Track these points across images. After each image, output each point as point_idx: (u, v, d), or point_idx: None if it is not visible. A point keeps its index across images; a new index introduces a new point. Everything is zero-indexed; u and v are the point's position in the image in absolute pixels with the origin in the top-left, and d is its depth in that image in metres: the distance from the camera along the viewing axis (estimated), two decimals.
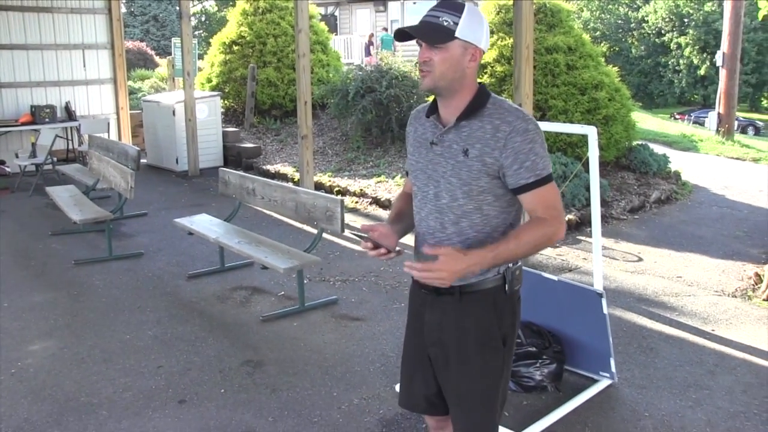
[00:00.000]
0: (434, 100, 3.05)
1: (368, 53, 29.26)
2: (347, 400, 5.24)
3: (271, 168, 14.03)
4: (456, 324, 3.03)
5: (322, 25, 19.54)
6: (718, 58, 21.94)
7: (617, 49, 49.59)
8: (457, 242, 2.97)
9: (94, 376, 5.67)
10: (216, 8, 54.22)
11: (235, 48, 17.86)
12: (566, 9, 13.10)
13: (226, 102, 17.78)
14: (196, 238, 8.46)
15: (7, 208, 11.53)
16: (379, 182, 12.24)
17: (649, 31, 47.86)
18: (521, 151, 2.82)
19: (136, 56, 28.71)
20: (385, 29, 34.74)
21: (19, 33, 14.61)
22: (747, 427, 4.86)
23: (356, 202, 11.62)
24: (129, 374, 5.69)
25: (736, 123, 24.18)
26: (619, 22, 50.66)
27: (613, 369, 5.35)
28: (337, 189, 12.19)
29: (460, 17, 2.84)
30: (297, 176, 12.44)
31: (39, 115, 14.11)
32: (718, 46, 24.99)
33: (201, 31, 51.28)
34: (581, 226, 9.84)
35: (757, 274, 7.91)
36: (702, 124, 27.70)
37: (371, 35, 31.67)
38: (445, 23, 2.84)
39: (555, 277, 5.51)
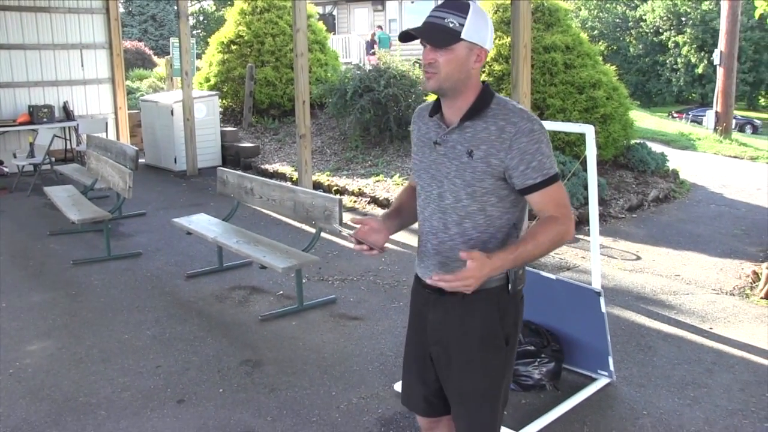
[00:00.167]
0: (437, 99, 3.03)
1: (370, 51, 29.19)
2: (346, 400, 5.25)
3: (269, 167, 14.03)
4: (459, 323, 3.03)
5: (320, 25, 19.53)
6: (716, 57, 21.93)
7: (615, 47, 49.63)
8: (461, 243, 2.98)
9: (92, 376, 5.67)
10: (214, 8, 54.19)
11: (233, 47, 17.86)
12: (564, 8, 13.09)
13: (224, 101, 17.78)
14: (195, 237, 8.46)
15: (6, 208, 11.53)
16: (377, 181, 12.24)
17: (647, 30, 47.86)
18: (527, 151, 2.81)
19: (135, 56, 28.70)
20: (380, 27, 34.68)
21: (17, 33, 14.60)
22: (745, 424, 4.87)
23: (354, 202, 11.62)
24: (127, 374, 5.69)
25: (733, 121, 24.15)
26: (617, 20, 50.67)
27: (612, 367, 5.35)
28: (335, 188, 12.19)
29: (465, 18, 2.82)
30: (295, 176, 12.44)
31: (37, 115, 14.10)
32: (715, 45, 25.01)
33: (199, 31, 51.27)
34: (579, 224, 9.83)
35: (754, 272, 7.92)
36: (700, 123, 27.68)
37: (373, 34, 31.64)
38: (451, 24, 2.82)
39: (553, 276, 5.51)
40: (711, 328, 6.56)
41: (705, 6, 44.82)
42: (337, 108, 14.83)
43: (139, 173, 10.58)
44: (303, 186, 10.65)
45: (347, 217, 9.57)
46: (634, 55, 48.59)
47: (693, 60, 44.41)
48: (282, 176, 13.31)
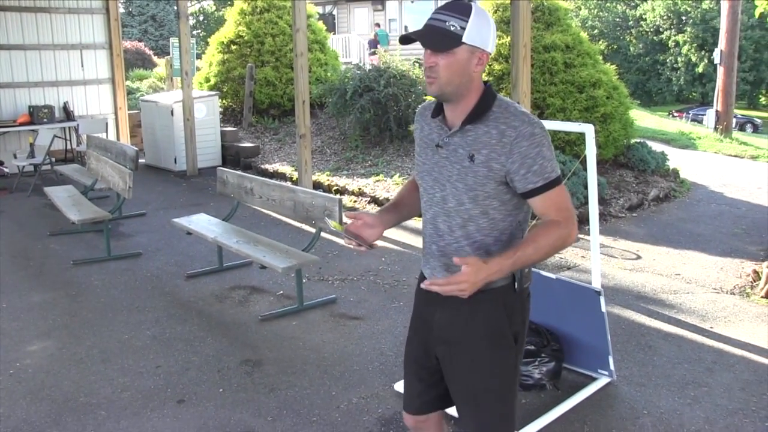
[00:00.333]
0: (439, 100, 3.02)
1: (373, 47, 29.15)
2: (346, 400, 5.24)
3: (269, 167, 14.03)
4: (466, 323, 3.02)
5: (320, 24, 19.53)
6: (716, 56, 21.93)
7: (615, 47, 49.66)
8: (465, 245, 2.97)
9: (92, 376, 5.67)
10: (214, 8, 54.20)
11: (233, 47, 17.86)
12: (564, 7, 13.10)
13: (224, 101, 17.78)
14: (195, 237, 8.46)
15: (6, 208, 11.53)
16: (377, 181, 12.24)
17: (647, 29, 47.88)
18: (528, 155, 2.79)
19: (135, 56, 28.71)
20: (378, 25, 34.68)
21: (17, 33, 14.60)
22: (745, 424, 4.87)
23: (355, 201, 11.62)
24: (127, 374, 5.69)
25: (734, 120, 24.16)
26: (617, 20, 50.68)
27: (612, 367, 5.35)
28: (335, 188, 12.19)
29: (467, 21, 2.79)
30: (295, 175, 12.44)
31: (37, 115, 14.11)
32: (715, 44, 25.01)
33: (199, 31, 51.28)
34: (580, 223, 9.75)
35: (755, 272, 7.91)
36: (700, 122, 27.66)
37: (375, 34, 31.63)
38: (452, 28, 2.79)
39: (553, 276, 5.51)
40: (711, 328, 6.55)
41: (705, 5, 44.83)
42: (337, 108, 14.83)
43: (139, 173, 10.59)
44: (303, 186, 10.65)
45: (346, 217, 9.57)
46: (634, 54, 48.60)
47: (693, 59, 44.41)
48: (282, 176, 13.31)
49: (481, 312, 2.97)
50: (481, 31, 2.83)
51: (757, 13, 13.66)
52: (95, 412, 5.10)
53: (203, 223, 8.28)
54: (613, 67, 13.06)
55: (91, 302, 7.34)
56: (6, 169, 14.19)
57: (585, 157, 5.37)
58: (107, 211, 9.14)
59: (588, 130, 5.25)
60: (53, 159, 13.12)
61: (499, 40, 12.28)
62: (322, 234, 7.74)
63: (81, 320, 6.84)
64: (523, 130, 2.79)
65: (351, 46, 33.57)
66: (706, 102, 39.17)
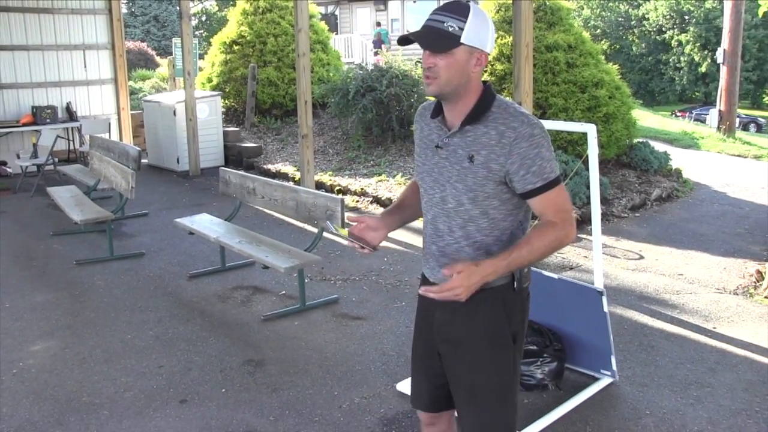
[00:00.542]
0: (439, 101, 3.03)
1: (378, 47, 29.13)
2: (348, 399, 5.25)
3: (271, 167, 14.03)
4: (465, 322, 3.03)
5: (323, 25, 19.53)
6: (719, 56, 21.90)
7: (618, 46, 49.58)
8: (465, 245, 2.99)
9: (95, 376, 5.67)
10: (216, 8, 54.19)
11: (236, 48, 17.86)
12: (566, 7, 13.10)
13: (226, 102, 17.78)
14: (197, 237, 8.46)
15: (9, 208, 11.54)
16: (379, 181, 12.24)
17: (650, 29, 47.81)
18: (527, 156, 2.79)
19: (137, 56, 28.72)
20: (379, 24, 34.70)
21: (20, 34, 14.62)
22: (748, 424, 4.86)
23: (357, 201, 11.62)
24: (130, 374, 5.70)
25: (737, 120, 24.10)
26: (620, 19, 50.62)
27: (614, 367, 5.35)
28: (337, 188, 12.19)
29: (465, 21, 2.79)
30: (298, 175, 12.44)
31: (40, 115, 14.12)
32: (719, 44, 24.95)
33: (201, 31, 51.23)
34: (582, 224, 9.83)
35: (758, 272, 7.91)
36: (703, 122, 27.64)
37: (379, 34, 31.62)
38: (450, 29, 2.79)
39: (555, 276, 5.51)
40: (714, 328, 6.55)
41: (708, 4, 44.77)
42: (339, 108, 14.83)
43: (141, 173, 10.58)
44: (305, 186, 10.66)
45: (350, 218, 9.57)
46: (636, 53, 48.52)
47: (696, 58, 44.35)
48: (284, 176, 13.31)
49: (481, 311, 2.98)
50: (479, 32, 2.83)
51: (760, 12, 13.64)
52: (98, 411, 5.11)
53: (206, 223, 8.28)
54: (616, 66, 13.06)
55: (94, 302, 7.35)
56: (9, 170, 14.21)
57: (587, 157, 5.37)
58: (110, 211, 9.14)
59: (590, 130, 5.25)
60: (56, 159, 13.14)
61: (501, 39, 12.28)
62: (324, 234, 7.74)
63: (84, 320, 6.85)
64: (522, 131, 2.80)
65: (353, 46, 33.56)
66: (709, 102, 39.08)
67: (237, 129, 16.26)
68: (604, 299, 5.14)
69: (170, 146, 14.69)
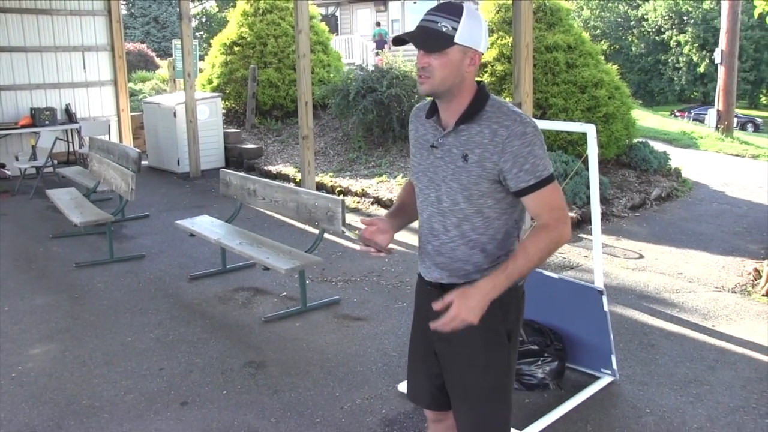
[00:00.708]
0: (434, 101, 3.04)
1: (380, 47, 29.10)
2: (349, 401, 5.25)
3: (272, 169, 14.03)
4: None
5: (323, 26, 19.53)
6: (717, 56, 21.93)
7: (617, 47, 49.61)
8: (461, 244, 3.01)
9: (95, 379, 5.67)
10: (216, 9, 54.21)
11: (236, 49, 17.86)
12: (566, 8, 13.11)
13: (227, 103, 17.79)
14: (198, 239, 8.46)
15: (8, 211, 11.54)
16: (380, 182, 12.25)
17: (649, 29, 47.83)
18: (520, 154, 2.81)
19: (137, 58, 28.71)
20: (379, 23, 34.70)
21: (18, 35, 14.61)
22: (746, 421, 4.88)
23: (358, 202, 11.63)
24: (131, 377, 5.70)
25: (735, 120, 24.15)
26: (619, 20, 50.63)
27: (615, 366, 5.36)
28: (338, 189, 12.20)
29: (459, 22, 2.82)
30: (298, 177, 12.44)
31: (39, 117, 14.10)
32: (716, 44, 24.99)
33: (202, 32, 51.25)
34: (582, 223, 9.85)
35: (756, 270, 7.92)
36: (702, 122, 27.63)
37: (380, 34, 31.59)
38: (444, 29, 2.82)
39: (556, 275, 5.52)
40: (713, 326, 6.56)
41: (706, 5, 44.79)
42: (339, 109, 14.83)
43: (141, 175, 10.59)
44: (306, 187, 10.67)
45: (350, 218, 9.60)
46: (636, 54, 48.54)
47: (694, 59, 44.37)
48: (285, 177, 13.32)
49: None
50: (472, 32, 2.86)
51: (756, 14, 13.62)
52: (98, 415, 5.11)
53: (206, 225, 8.28)
54: (615, 67, 13.10)
55: (94, 305, 7.35)
56: (8, 172, 14.21)
57: (587, 157, 5.37)
58: (110, 213, 9.15)
59: (590, 130, 5.25)
60: (55, 161, 13.14)
61: (501, 40, 12.30)
62: (325, 235, 7.75)
63: (84, 323, 6.85)
64: (515, 129, 2.82)
65: (354, 47, 33.58)
66: (707, 102, 39.09)
67: (237, 130, 16.25)
68: (605, 298, 5.16)
69: (170, 148, 14.69)
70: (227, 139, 15.42)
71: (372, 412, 5.08)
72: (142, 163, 11.56)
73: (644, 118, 21.62)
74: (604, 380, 5.41)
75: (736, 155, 17.16)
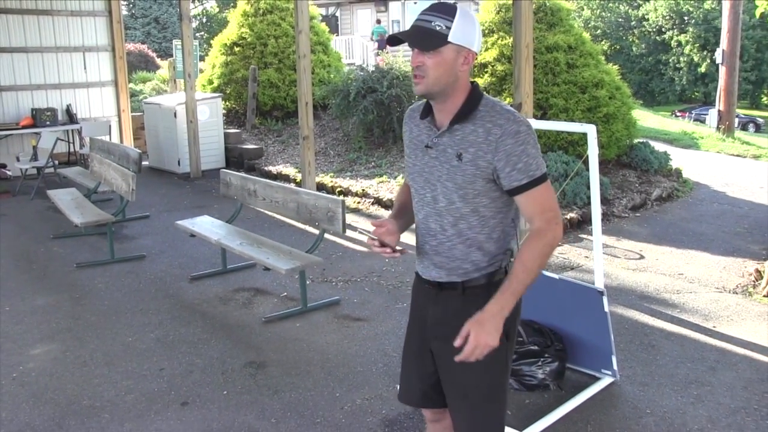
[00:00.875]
0: (428, 101, 3.06)
1: (382, 47, 29.07)
2: (350, 401, 5.25)
3: (272, 169, 14.03)
4: (459, 318, 3.03)
5: (323, 26, 19.54)
6: (718, 56, 21.90)
7: (618, 47, 49.62)
8: (458, 243, 3.03)
9: (96, 379, 5.68)
10: (217, 10, 54.21)
11: (236, 49, 17.86)
12: (566, 8, 13.10)
13: (227, 103, 17.79)
14: (198, 240, 8.46)
15: (9, 211, 11.54)
16: (381, 182, 12.25)
17: (650, 29, 47.82)
18: (513, 153, 2.84)
19: (138, 58, 28.71)
20: (379, 21, 34.70)
21: (19, 36, 14.62)
22: (748, 422, 4.87)
23: (358, 203, 11.63)
24: (131, 377, 5.70)
25: (736, 120, 24.11)
26: (620, 20, 50.63)
27: (615, 366, 5.36)
28: (339, 189, 12.20)
29: (452, 21, 2.85)
30: (299, 177, 12.44)
31: (40, 118, 14.11)
32: (718, 44, 24.94)
33: (202, 33, 51.25)
34: (583, 224, 9.85)
35: (757, 271, 7.92)
36: (703, 122, 27.62)
37: (381, 34, 31.57)
38: (438, 28, 2.84)
39: (556, 276, 5.51)
40: (714, 327, 6.56)
41: (707, 5, 44.79)
42: (340, 109, 14.83)
43: (142, 176, 10.60)
44: (306, 187, 10.67)
45: (350, 219, 9.60)
46: (636, 54, 48.55)
47: (695, 59, 44.38)
48: (285, 178, 13.32)
49: (474, 308, 3.00)
50: (466, 31, 2.88)
51: (757, 14, 13.65)
52: (99, 415, 5.11)
53: (207, 225, 8.29)
54: (616, 67, 13.09)
55: (95, 305, 7.35)
56: (9, 172, 14.22)
57: (588, 157, 5.37)
58: (111, 213, 9.15)
59: (590, 130, 5.25)
60: (56, 162, 13.14)
61: (501, 40, 12.29)
62: (326, 235, 7.75)
63: (84, 323, 6.85)
64: (508, 128, 2.85)
65: (354, 47, 33.56)
66: (708, 102, 39.10)
67: (238, 131, 16.26)
68: (605, 299, 5.15)
69: (171, 148, 14.70)
70: (228, 140, 15.42)
71: (372, 412, 5.08)
72: (143, 163, 11.54)
73: (645, 118, 21.60)
74: (605, 381, 5.41)
75: (737, 155, 17.14)
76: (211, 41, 20.70)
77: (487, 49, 12.46)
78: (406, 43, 2.94)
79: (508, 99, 11.24)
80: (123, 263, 8.71)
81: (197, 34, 47.23)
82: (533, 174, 2.86)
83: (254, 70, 16.85)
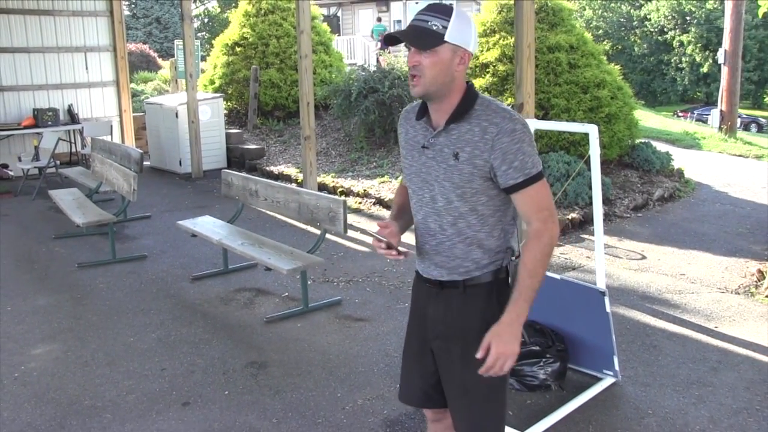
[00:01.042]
0: (424, 102, 3.08)
1: (384, 47, 29.03)
2: (351, 401, 5.25)
3: (274, 169, 14.03)
4: (460, 317, 3.08)
5: (325, 26, 19.52)
6: (720, 56, 21.87)
7: (620, 47, 49.55)
8: (458, 242, 3.04)
9: (97, 379, 5.68)
10: (218, 10, 54.20)
11: (238, 49, 17.86)
12: (568, 8, 13.10)
13: (229, 103, 17.78)
14: (200, 240, 8.46)
15: (10, 211, 11.55)
16: (382, 182, 12.24)
17: (652, 29, 47.78)
18: (509, 151, 2.86)
19: (139, 58, 28.72)
20: (379, 19, 34.70)
21: (21, 36, 14.63)
22: (749, 423, 4.87)
23: (360, 203, 11.62)
24: (133, 377, 5.70)
25: (738, 120, 24.07)
26: (622, 20, 50.60)
27: (617, 367, 5.35)
28: (340, 190, 12.19)
29: (448, 21, 2.87)
30: (300, 177, 12.44)
31: (41, 118, 14.10)
32: (720, 44, 24.93)
33: (204, 33, 51.25)
34: (584, 224, 9.84)
35: (759, 271, 7.91)
36: (705, 122, 27.60)
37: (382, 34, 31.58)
38: (434, 27, 2.86)
39: (558, 276, 5.51)
40: (716, 327, 6.55)
41: (709, 5, 44.75)
42: (341, 109, 14.83)
43: (143, 176, 10.60)
44: (308, 187, 10.67)
45: (352, 219, 9.59)
46: (638, 54, 48.50)
47: (698, 59, 44.34)
48: (287, 178, 13.31)
49: (475, 307, 3.04)
50: (462, 31, 2.90)
51: (760, 13, 13.67)
52: (100, 415, 5.11)
53: (208, 226, 8.29)
54: (618, 67, 13.09)
55: (96, 305, 7.35)
56: (10, 172, 14.22)
57: (589, 157, 5.37)
58: (112, 213, 9.16)
59: (592, 130, 5.25)
60: (58, 162, 13.14)
61: (503, 40, 12.29)
62: (327, 236, 7.74)
63: (86, 323, 6.85)
64: (504, 127, 2.87)
65: (355, 47, 33.54)
66: (710, 102, 39.08)
67: (239, 131, 16.26)
68: (607, 299, 5.15)
69: (172, 148, 14.70)
70: (229, 140, 15.42)
71: (374, 412, 5.08)
72: (144, 163, 11.55)
73: (647, 118, 21.59)
74: (606, 381, 5.41)
75: (739, 156, 17.12)
76: (213, 41, 20.70)
77: (488, 49, 12.46)
78: (402, 43, 2.96)
79: (509, 99, 11.25)
80: (124, 263, 8.71)
81: (199, 34, 47.26)
82: (529, 172, 2.88)
83: (256, 70, 16.85)
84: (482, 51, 12.51)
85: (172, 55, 24.41)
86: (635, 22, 49.65)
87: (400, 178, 12.08)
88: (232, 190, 8.59)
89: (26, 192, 12.76)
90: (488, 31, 12.72)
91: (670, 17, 46.63)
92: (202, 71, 19.47)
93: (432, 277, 3.14)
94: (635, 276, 8.06)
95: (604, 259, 5.89)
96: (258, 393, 5.40)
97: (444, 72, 2.90)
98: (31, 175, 13.37)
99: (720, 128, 21.31)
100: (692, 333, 6.41)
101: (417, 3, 35.31)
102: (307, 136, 11.01)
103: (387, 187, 11.91)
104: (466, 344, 3.06)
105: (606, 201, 10.59)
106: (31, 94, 14.82)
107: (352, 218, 10.38)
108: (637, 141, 12.70)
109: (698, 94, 46.25)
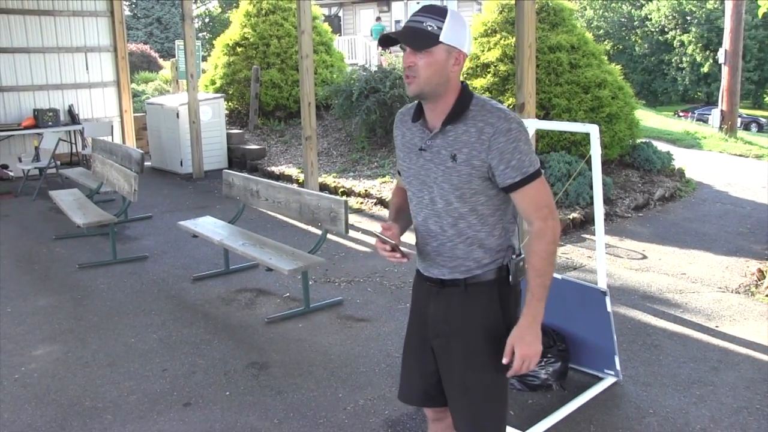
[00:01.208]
0: (419, 104, 3.08)
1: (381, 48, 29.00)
2: (353, 402, 5.25)
3: (275, 169, 14.03)
4: (462, 315, 3.09)
5: (326, 26, 19.52)
6: (721, 56, 21.87)
7: (620, 47, 49.61)
8: (459, 242, 3.05)
9: (98, 380, 5.68)
10: (219, 10, 54.21)
11: (239, 50, 17.87)
12: (569, 8, 13.10)
13: (230, 104, 17.79)
14: (201, 240, 8.46)
15: (11, 212, 11.55)
16: (383, 182, 12.24)
17: (653, 29, 47.83)
18: (506, 150, 2.86)
19: (140, 59, 28.73)
20: (379, 18, 34.69)
21: (21, 36, 14.63)
22: (750, 422, 4.86)
23: (361, 203, 11.62)
24: (134, 378, 5.70)
25: (739, 120, 24.06)
26: (623, 20, 50.65)
27: (618, 367, 5.35)
28: (341, 190, 12.19)
29: (443, 22, 2.88)
30: (301, 177, 12.44)
31: (42, 118, 14.10)
32: (720, 44, 24.92)
33: (204, 33, 51.28)
34: (586, 224, 9.83)
35: (760, 270, 7.90)
36: (705, 122, 27.61)
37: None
38: (429, 28, 2.87)
39: (559, 276, 5.50)
40: (717, 327, 6.55)
41: (710, 5, 44.80)
42: (343, 109, 14.84)
43: (144, 176, 10.60)
44: (309, 188, 10.67)
45: (353, 219, 9.59)
46: (639, 54, 48.55)
47: (698, 59, 44.39)
48: (288, 178, 13.31)
49: (476, 305, 3.05)
50: (456, 32, 2.91)
51: (760, 13, 13.67)
52: (101, 416, 5.11)
53: (209, 226, 8.28)
54: (619, 67, 13.08)
55: (97, 306, 7.35)
56: (11, 173, 14.23)
57: (590, 157, 5.37)
58: (113, 214, 9.15)
59: (593, 130, 5.25)
60: (58, 162, 13.15)
61: (504, 40, 12.28)
62: (329, 236, 7.74)
63: (87, 324, 6.85)
64: (500, 126, 2.87)
65: (357, 47, 33.52)
66: (711, 102, 39.11)
67: (240, 131, 16.26)
68: (608, 299, 5.15)
69: (173, 149, 14.70)
70: (230, 140, 15.42)
71: (375, 413, 5.07)
72: (145, 164, 11.56)
73: (647, 118, 21.60)
74: (608, 381, 5.41)
75: (740, 155, 17.12)
76: (214, 41, 20.70)
77: (489, 49, 12.46)
78: (399, 44, 2.98)
79: (510, 99, 11.24)
80: (125, 264, 8.71)
81: (200, 35, 47.30)
82: (526, 171, 2.89)
83: (257, 70, 16.85)
84: (483, 51, 12.51)
85: (173, 56, 24.41)
86: (636, 22, 49.71)
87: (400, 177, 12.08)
88: (233, 190, 8.59)
89: (27, 192, 12.77)
90: (489, 31, 12.72)
91: (670, 17, 46.69)
92: (203, 71, 19.47)
93: (433, 276, 3.15)
94: (636, 276, 8.05)
95: (605, 259, 5.89)
96: (259, 393, 5.40)
97: (439, 72, 2.90)
98: (31, 176, 13.37)
99: (720, 128, 21.31)
100: (693, 332, 6.41)
101: (418, 3, 35.32)
102: (309, 136, 11.01)
103: (388, 188, 11.91)
104: (467, 343, 3.07)
105: (607, 201, 10.59)
106: (31, 95, 14.82)
107: (353, 218, 10.39)
108: (638, 141, 12.71)
109: (699, 93, 46.31)
